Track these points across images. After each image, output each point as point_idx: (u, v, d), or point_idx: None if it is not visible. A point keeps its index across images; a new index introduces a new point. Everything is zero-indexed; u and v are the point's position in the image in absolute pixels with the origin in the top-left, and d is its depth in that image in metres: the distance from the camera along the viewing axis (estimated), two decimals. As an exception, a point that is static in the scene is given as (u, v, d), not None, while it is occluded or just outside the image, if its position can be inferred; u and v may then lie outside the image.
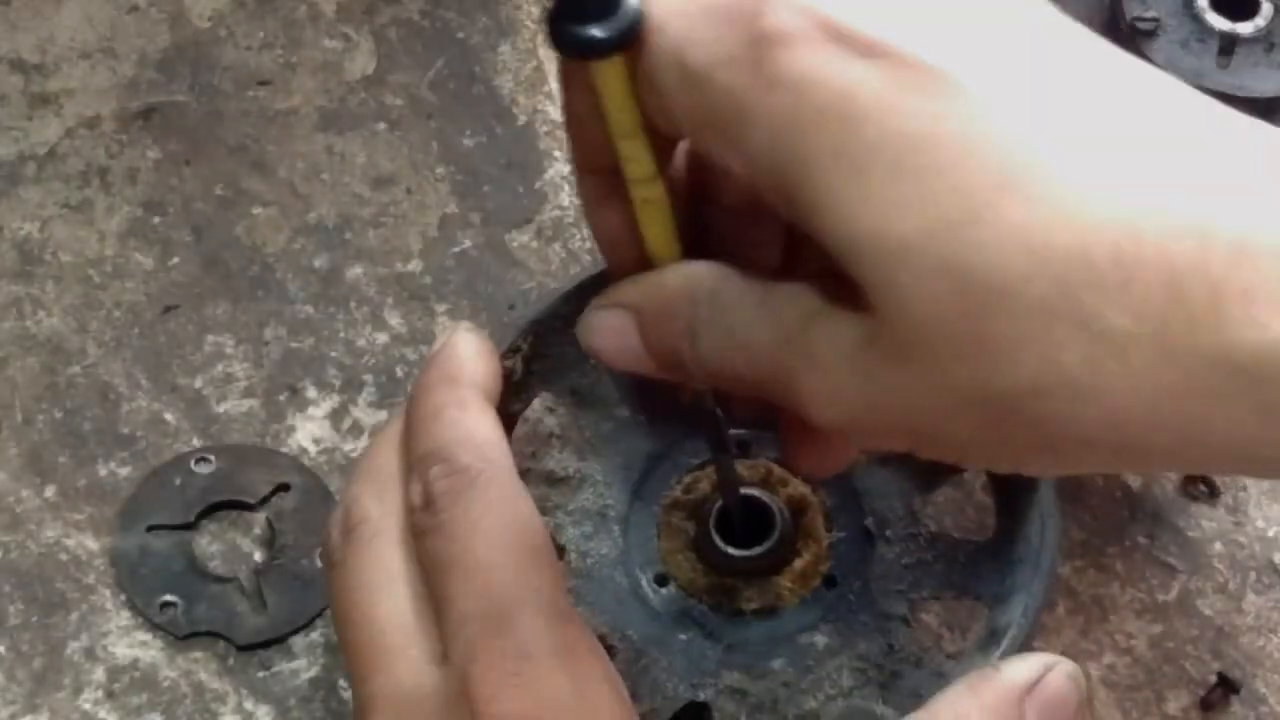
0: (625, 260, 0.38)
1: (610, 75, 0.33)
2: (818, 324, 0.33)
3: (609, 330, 0.38)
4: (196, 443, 0.52)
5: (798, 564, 0.45)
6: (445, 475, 0.38)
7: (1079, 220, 0.29)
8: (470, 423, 0.40)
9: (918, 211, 0.30)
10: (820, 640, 0.45)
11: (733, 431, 0.47)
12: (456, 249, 0.57)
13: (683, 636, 0.44)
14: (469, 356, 0.41)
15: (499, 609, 0.35)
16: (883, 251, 0.30)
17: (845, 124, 0.31)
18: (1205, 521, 0.51)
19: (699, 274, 0.36)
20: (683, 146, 0.37)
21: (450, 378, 0.41)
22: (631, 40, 0.33)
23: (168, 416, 0.53)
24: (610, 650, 0.43)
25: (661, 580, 0.45)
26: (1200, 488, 0.52)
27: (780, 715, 0.42)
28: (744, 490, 0.45)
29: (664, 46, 0.33)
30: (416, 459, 0.39)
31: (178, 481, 0.51)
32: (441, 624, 0.36)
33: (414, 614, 0.37)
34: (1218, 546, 0.51)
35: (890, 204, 0.30)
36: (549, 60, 0.62)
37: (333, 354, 0.55)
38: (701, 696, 0.43)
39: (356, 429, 0.53)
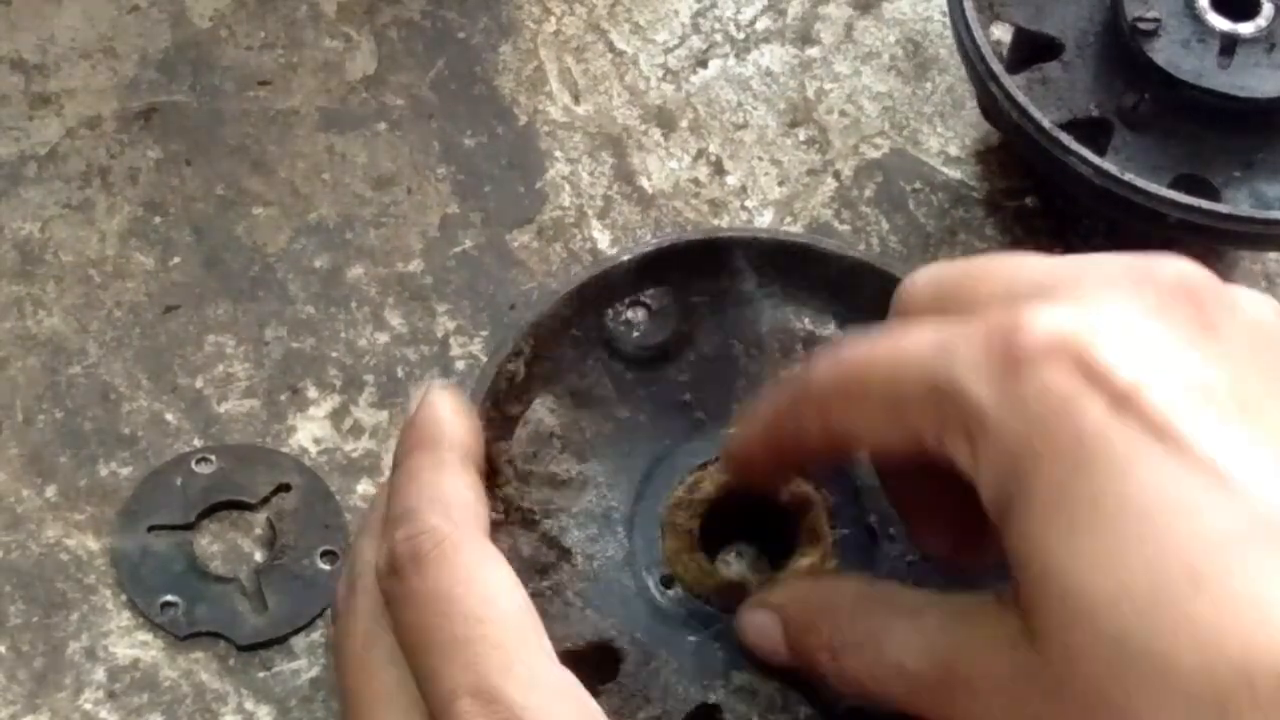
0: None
1: None
2: (974, 649, 0.33)
3: (755, 629, 0.41)
4: (197, 443, 0.52)
5: (803, 562, 0.45)
6: (409, 538, 0.37)
7: (1257, 632, 0.28)
8: (444, 484, 0.39)
9: (1116, 582, 0.30)
10: (827, 638, 0.44)
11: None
12: (457, 249, 0.57)
13: (691, 638, 0.44)
14: (446, 417, 0.41)
15: (487, 685, 0.35)
16: (1068, 605, 0.30)
17: (1078, 470, 0.30)
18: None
19: (845, 591, 0.37)
20: None
21: (428, 440, 0.41)
22: None
23: (168, 416, 0.53)
24: (619, 653, 0.43)
25: (668, 581, 0.45)
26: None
27: (792, 714, 0.42)
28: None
29: (911, 349, 0.34)
30: (387, 523, 0.39)
31: (178, 481, 0.51)
32: (428, 698, 0.36)
33: (405, 676, 0.37)
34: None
35: (1091, 565, 0.30)
36: (549, 60, 0.62)
37: (333, 354, 0.54)
38: (712, 698, 0.42)
39: (357, 429, 0.53)
